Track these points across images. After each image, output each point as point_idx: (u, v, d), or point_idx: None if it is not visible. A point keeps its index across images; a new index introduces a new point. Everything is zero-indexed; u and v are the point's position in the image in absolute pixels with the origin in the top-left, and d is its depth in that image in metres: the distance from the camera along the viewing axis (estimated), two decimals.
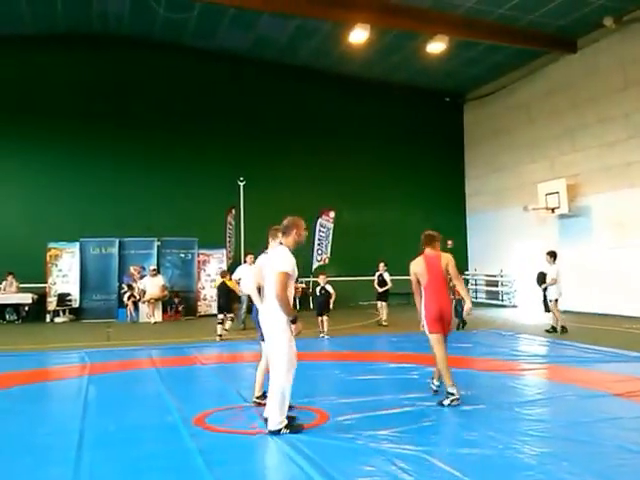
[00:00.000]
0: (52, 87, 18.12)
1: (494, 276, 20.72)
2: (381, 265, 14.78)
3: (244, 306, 13.71)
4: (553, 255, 12.64)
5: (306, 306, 17.73)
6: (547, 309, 13.48)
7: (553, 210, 17.42)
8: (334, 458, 4.54)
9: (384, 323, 14.51)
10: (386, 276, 14.55)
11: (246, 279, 13.32)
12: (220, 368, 8.94)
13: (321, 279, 12.57)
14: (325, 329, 12.16)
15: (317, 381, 7.75)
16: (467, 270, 22.22)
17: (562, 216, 17.49)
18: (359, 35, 15.94)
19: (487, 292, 21.45)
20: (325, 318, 12.28)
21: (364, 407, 5.96)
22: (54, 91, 18.12)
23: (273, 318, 5.30)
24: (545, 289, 13.18)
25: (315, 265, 18.51)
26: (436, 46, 16.75)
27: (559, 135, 18.13)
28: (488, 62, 19.31)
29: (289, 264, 5.30)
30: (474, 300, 21.58)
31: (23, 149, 17.85)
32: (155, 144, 18.83)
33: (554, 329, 12.64)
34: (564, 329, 12.44)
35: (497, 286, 20.68)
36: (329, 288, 12.39)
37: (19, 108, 17.75)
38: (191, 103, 19.41)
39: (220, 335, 12.02)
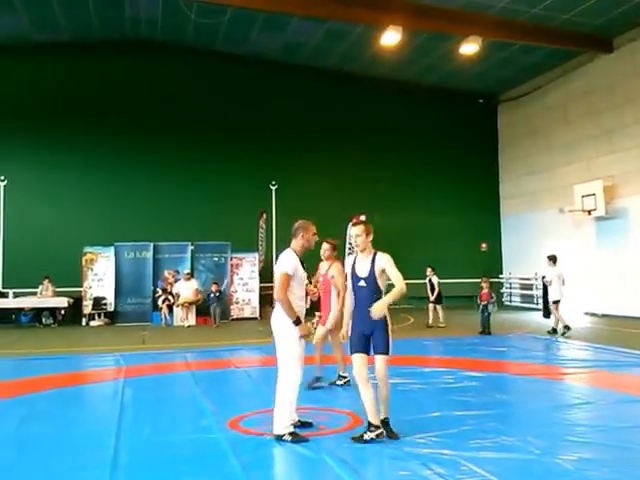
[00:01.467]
0: (87, 94, 18.46)
1: (528, 279, 20.42)
2: (428, 270, 15.03)
3: None
4: (552, 259, 13.22)
5: None
6: (547, 314, 13.61)
7: (589, 212, 17.11)
8: (368, 462, 4.51)
9: (441, 325, 14.66)
10: (434, 280, 14.89)
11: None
12: (254, 371, 8.96)
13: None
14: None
15: (351, 384, 7.71)
16: (501, 273, 21.97)
17: (599, 218, 17.17)
18: (391, 37, 15.87)
19: (521, 295, 21.15)
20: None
21: (398, 411, 5.89)
22: (89, 98, 18.47)
23: (281, 320, 5.25)
24: (545, 292, 13.62)
25: None
26: (469, 47, 16.59)
27: (596, 136, 17.81)
28: (522, 63, 19.07)
29: (290, 265, 5.26)
30: (508, 304, 21.35)
31: (59, 155, 18.22)
32: (188, 149, 19.03)
33: (554, 331, 12.87)
34: (567, 328, 12.63)
35: (532, 289, 20.37)
36: None
37: (55, 115, 18.13)
38: (222, 108, 19.57)
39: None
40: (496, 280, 21.77)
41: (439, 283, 14.95)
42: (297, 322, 5.17)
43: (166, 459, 4.78)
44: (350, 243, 18.23)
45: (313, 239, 5.59)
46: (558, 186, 19.13)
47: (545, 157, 20.04)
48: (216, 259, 18.04)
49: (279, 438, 5.12)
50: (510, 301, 21.50)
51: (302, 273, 5.39)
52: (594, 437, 5.13)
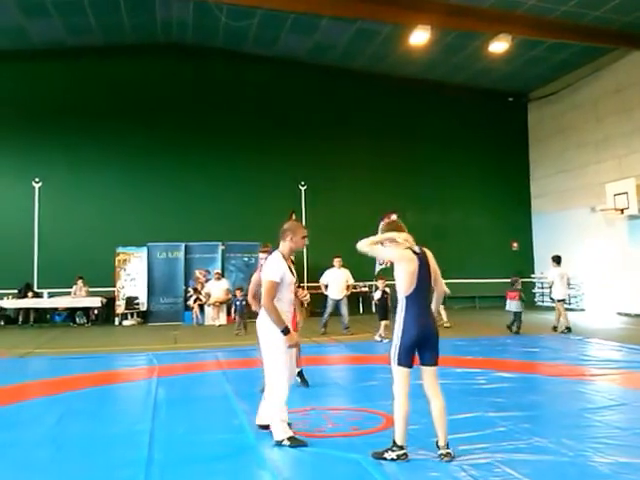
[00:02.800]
0: (119, 96, 18.76)
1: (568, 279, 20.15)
2: None
3: (329, 310, 13.42)
4: (555, 259, 13.75)
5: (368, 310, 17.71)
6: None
7: (622, 211, 16.86)
8: (401, 463, 4.51)
9: (446, 325, 14.41)
10: None
11: (334, 283, 13.40)
12: None
13: (380, 283, 12.43)
14: (383, 333, 12.04)
15: (384, 384, 7.70)
16: (533, 273, 21.74)
17: (631, 217, 16.91)
18: (420, 37, 15.83)
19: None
20: (386, 322, 12.15)
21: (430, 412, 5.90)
22: (121, 99, 18.76)
23: (267, 326, 5.16)
24: (550, 291, 14.08)
25: (377, 269, 18.41)
26: (499, 45, 16.47)
27: (628, 133, 17.54)
28: (552, 60, 18.87)
29: (277, 273, 5.11)
30: (540, 304, 21.12)
31: (93, 157, 18.53)
32: (219, 150, 19.21)
33: (555, 329, 13.35)
34: (568, 329, 12.97)
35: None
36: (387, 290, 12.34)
37: (88, 117, 18.44)
38: (252, 109, 19.70)
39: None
40: (528, 280, 21.55)
41: (455, 283, 15.25)
42: (285, 332, 5.03)
43: (199, 458, 4.84)
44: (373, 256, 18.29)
45: (302, 242, 5.47)
46: (589, 184, 18.88)
47: (576, 155, 19.79)
48: (246, 259, 18.17)
49: (278, 444, 5.06)
50: (542, 301, 21.25)
51: (290, 278, 5.26)
52: (629, 440, 5.06)
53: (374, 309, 14.28)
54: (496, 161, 21.75)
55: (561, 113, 20.62)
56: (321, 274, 13.86)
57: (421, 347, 4.62)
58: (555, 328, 13.47)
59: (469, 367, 8.68)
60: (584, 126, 19.45)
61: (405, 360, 4.57)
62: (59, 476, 4.47)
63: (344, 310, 13.35)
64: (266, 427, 5.35)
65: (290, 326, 5.18)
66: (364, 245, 4.80)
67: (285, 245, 5.39)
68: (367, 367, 9.44)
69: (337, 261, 13.42)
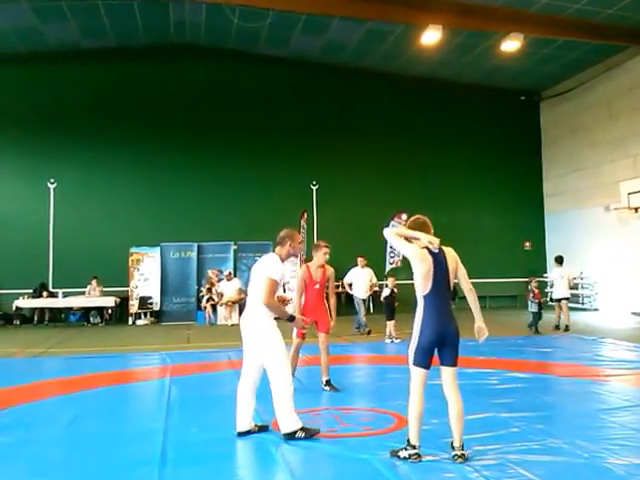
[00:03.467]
0: (133, 97, 18.86)
1: (574, 278, 20.01)
2: None
3: (362, 309, 13.34)
4: (557, 260, 14.18)
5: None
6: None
7: (636, 210, 16.74)
8: (412, 463, 4.50)
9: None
10: None
11: (360, 282, 13.40)
12: (297, 370, 9.01)
13: (390, 281, 12.41)
14: (393, 333, 12.03)
15: (396, 385, 7.70)
16: (546, 273, 21.61)
17: None
18: (431, 36, 15.80)
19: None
20: (392, 322, 12.14)
21: (443, 413, 5.88)
22: (135, 100, 18.86)
23: (259, 322, 5.34)
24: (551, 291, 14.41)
25: (388, 268, 18.44)
26: (511, 44, 16.40)
27: None
28: (565, 59, 18.75)
29: (279, 273, 5.35)
30: (552, 304, 20.94)
31: (107, 158, 18.64)
32: (231, 150, 19.25)
33: (557, 327, 13.65)
34: (567, 328, 13.29)
35: (577, 289, 19.99)
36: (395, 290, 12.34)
37: (102, 118, 18.56)
38: (264, 109, 19.73)
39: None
40: (541, 279, 21.44)
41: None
42: (291, 318, 5.53)
43: (212, 457, 4.87)
44: (392, 246, 18.30)
45: (299, 247, 5.72)
46: (603, 183, 18.75)
47: (590, 154, 19.65)
48: (258, 258, 18.11)
49: (291, 436, 5.14)
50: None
51: (284, 278, 5.62)
52: None
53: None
54: (508, 160, 21.63)
55: (574, 112, 20.48)
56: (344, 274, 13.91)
57: (441, 347, 4.60)
58: (557, 327, 13.73)
59: (481, 367, 8.65)
60: (597, 125, 19.31)
61: (422, 360, 4.56)
62: (74, 475, 4.51)
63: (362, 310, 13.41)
64: (247, 433, 5.40)
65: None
66: (390, 233, 4.77)
67: (283, 250, 5.57)
68: (378, 367, 9.45)
69: (361, 260, 13.40)
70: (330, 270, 7.52)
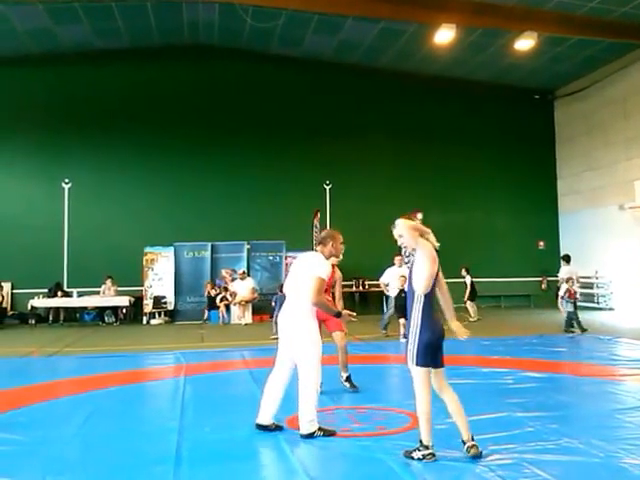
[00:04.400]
0: (147, 97, 18.95)
1: (589, 278, 19.90)
2: (463, 271, 15.93)
3: (391, 310, 13.10)
4: (565, 258, 14.51)
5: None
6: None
7: None
8: (427, 463, 4.49)
9: (471, 319, 15.05)
10: (467, 280, 16.00)
11: (395, 282, 13.29)
12: None
13: (400, 281, 12.37)
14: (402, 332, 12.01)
15: (410, 384, 7.68)
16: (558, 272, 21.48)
17: None
18: (445, 35, 15.75)
19: (581, 294, 20.56)
20: (403, 321, 12.11)
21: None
22: (149, 101, 18.95)
23: (299, 320, 5.36)
24: (558, 289, 14.40)
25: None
26: (524, 43, 16.32)
27: None
28: (579, 57, 18.61)
29: (326, 271, 5.41)
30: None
31: (122, 158, 18.77)
32: (243, 150, 19.27)
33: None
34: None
35: (592, 288, 19.85)
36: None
37: (116, 118, 18.67)
38: (277, 109, 19.74)
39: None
40: (555, 279, 21.30)
41: (472, 282, 15.91)
42: (339, 314, 5.70)
43: (227, 456, 4.89)
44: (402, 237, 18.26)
45: (341, 248, 5.74)
46: (618, 182, 18.60)
47: (604, 153, 19.50)
48: (271, 258, 18.26)
49: (310, 436, 5.18)
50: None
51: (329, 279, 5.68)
52: None
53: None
54: (522, 159, 21.51)
55: (588, 110, 20.33)
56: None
57: (438, 349, 4.61)
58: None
59: (495, 367, 8.62)
60: (612, 123, 19.15)
61: (423, 360, 4.54)
62: (89, 473, 4.54)
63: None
64: (265, 427, 5.44)
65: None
66: (405, 225, 4.75)
67: (326, 250, 5.64)
68: (392, 367, 9.43)
69: (398, 259, 13.25)
70: (339, 274, 7.52)
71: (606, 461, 4.47)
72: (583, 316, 13.54)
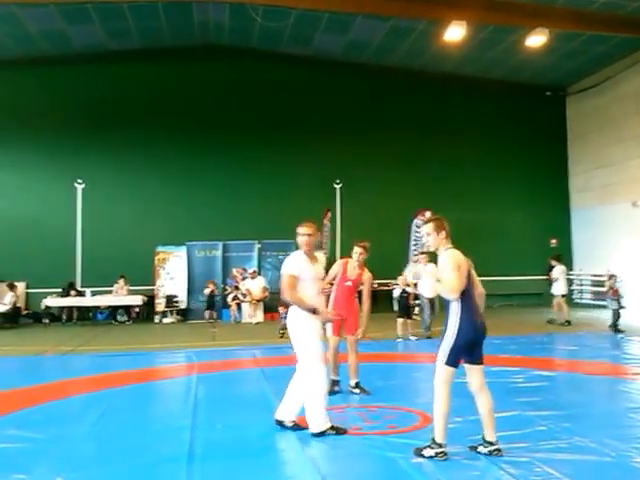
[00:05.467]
0: (158, 97, 19.01)
1: (600, 276, 19.79)
2: None
3: (428, 309, 12.83)
4: (555, 258, 15.08)
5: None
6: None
7: None
8: (438, 461, 4.51)
9: None
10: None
11: (424, 281, 13.21)
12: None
13: (401, 280, 12.36)
14: (399, 332, 12.00)
15: (419, 383, 7.70)
16: (571, 270, 21.38)
17: None
18: (455, 32, 15.66)
19: (593, 292, 20.52)
20: (406, 320, 12.10)
21: (468, 411, 5.85)
22: (160, 101, 19.01)
23: (293, 319, 5.43)
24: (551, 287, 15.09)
25: (409, 266, 18.36)
26: (536, 39, 16.20)
27: None
28: (591, 53, 18.48)
29: (292, 267, 5.47)
30: (578, 301, 20.78)
31: (133, 158, 18.84)
32: (253, 149, 19.30)
33: (568, 322, 14.08)
34: (568, 323, 13.95)
35: (604, 286, 19.73)
36: (408, 289, 12.30)
37: (129, 118, 18.75)
38: (288, 108, 19.75)
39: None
40: (566, 277, 21.21)
41: (490, 281, 15.55)
42: (314, 311, 5.37)
43: (239, 453, 4.94)
44: (415, 240, 18.27)
45: (302, 240, 5.78)
46: (631, 179, 18.46)
47: (617, 149, 19.36)
48: (282, 257, 18.23)
49: (320, 434, 5.22)
50: (581, 298, 20.90)
51: (312, 273, 5.51)
52: None
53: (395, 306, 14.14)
54: (533, 156, 21.38)
55: (601, 107, 20.18)
56: None
57: (475, 347, 4.64)
58: (552, 321, 14.33)
59: (507, 365, 8.60)
60: (625, 120, 19.00)
61: (450, 360, 4.58)
62: (104, 470, 4.60)
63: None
64: (280, 423, 5.49)
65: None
66: (432, 226, 4.89)
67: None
68: (402, 365, 9.44)
69: (423, 258, 13.19)
70: (368, 275, 7.32)
71: (618, 460, 4.46)
72: (595, 314, 13.52)
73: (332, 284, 7.35)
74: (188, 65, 19.17)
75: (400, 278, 12.43)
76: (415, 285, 13.01)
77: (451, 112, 20.73)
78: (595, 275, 20.15)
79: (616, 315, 12.87)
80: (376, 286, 18.77)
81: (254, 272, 17.22)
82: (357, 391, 7.04)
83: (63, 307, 17.23)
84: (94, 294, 17.61)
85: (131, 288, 17.48)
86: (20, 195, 18.28)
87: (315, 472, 4.36)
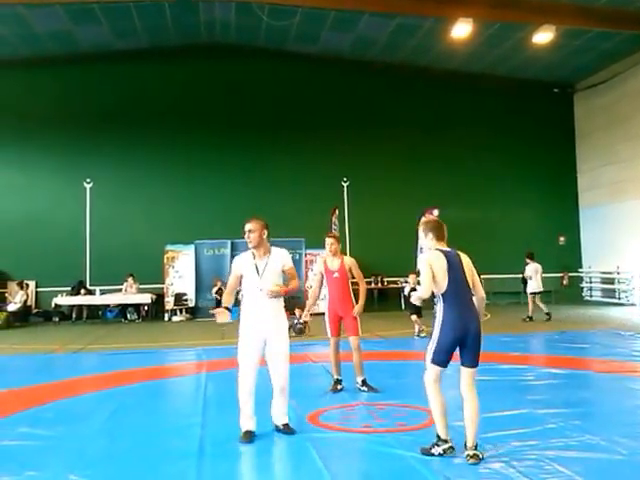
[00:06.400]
0: (165, 97, 19.10)
1: (610, 273, 19.73)
2: None
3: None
4: (529, 256, 15.29)
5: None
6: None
7: None
8: (447, 459, 4.50)
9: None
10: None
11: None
12: (329, 367, 9.04)
13: (412, 278, 12.35)
14: (416, 329, 12.01)
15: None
16: (581, 267, 21.31)
17: None
18: (462, 29, 15.66)
19: (603, 290, 20.45)
20: (414, 317, 12.11)
21: (479, 410, 5.86)
22: (167, 100, 19.10)
23: (280, 316, 5.50)
24: (525, 285, 15.51)
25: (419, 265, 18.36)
26: (543, 36, 16.17)
27: None
28: (599, 49, 18.39)
29: (232, 266, 5.71)
30: (588, 299, 20.70)
31: (141, 158, 18.95)
32: (261, 148, 19.34)
33: (530, 319, 14.58)
34: (548, 315, 14.35)
35: (613, 284, 19.67)
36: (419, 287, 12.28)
37: (136, 118, 18.84)
38: (295, 106, 19.80)
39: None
40: (575, 274, 21.15)
41: (500, 279, 16.69)
42: (226, 308, 5.54)
43: (249, 451, 4.95)
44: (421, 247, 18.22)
45: (248, 237, 5.78)
46: None
47: (626, 146, 19.26)
48: (291, 255, 18.24)
49: (292, 430, 5.27)
50: (591, 296, 20.83)
51: (254, 271, 5.59)
52: None
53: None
54: (541, 154, 21.31)
55: (609, 104, 20.08)
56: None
57: (462, 347, 4.59)
58: (530, 318, 14.58)
59: (516, 363, 8.59)
60: (634, 116, 18.88)
61: (434, 358, 4.61)
62: (115, 467, 4.61)
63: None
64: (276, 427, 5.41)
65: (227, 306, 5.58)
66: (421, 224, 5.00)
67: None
68: (412, 363, 9.41)
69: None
70: (348, 259, 7.41)
71: (630, 458, 4.43)
72: (604, 312, 13.46)
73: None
74: (194, 64, 19.23)
75: (411, 276, 12.41)
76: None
77: (458, 110, 20.70)
78: (604, 272, 20.07)
79: None
80: (385, 284, 18.90)
81: None
82: (364, 389, 7.04)
83: (73, 305, 17.34)
84: (103, 293, 17.73)
85: (140, 286, 17.56)
86: (29, 195, 18.39)
87: (324, 469, 4.36)
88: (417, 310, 12.02)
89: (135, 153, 18.92)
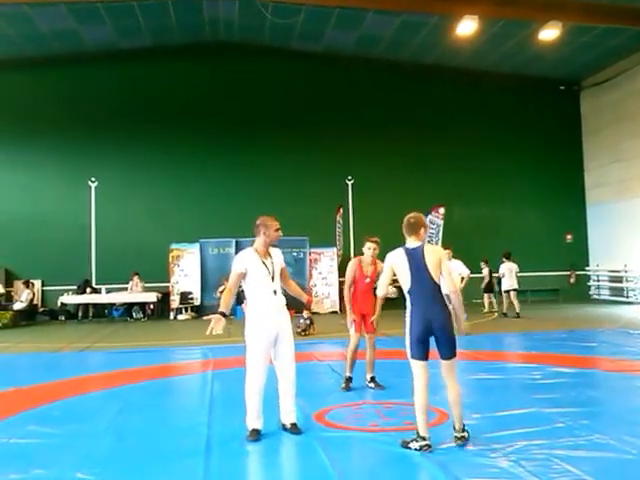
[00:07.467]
0: (169, 95, 19.11)
1: (618, 271, 19.64)
2: (482, 263, 16.57)
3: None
4: (505, 255, 15.60)
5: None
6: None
7: None
8: (457, 457, 4.48)
9: (484, 310, 16.36)
10: (484, 272, 16.58)
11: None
12: (337, 364, 9.01)
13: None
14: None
15: (435, 379, 7.64)
16: (588, 265, 21.23)
17: None
18: (467, 27, 15.60)
19: (610, 288, 20.36)
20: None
21: (486, 407, 5.83)
22: (171, 99, 19.12)
23: (287, 315, 5.48)
24: (499, 283, 16.09)
25: None
26: (549, 33, 16.08)
27: None
28: (605, 46, 18.28)
29: (236, 265, 5.36)
30: (596, 297, 20.62)
31: (146, 157, 18.99)
32: (265, 146, 19.34)
33: (505, 315, 15.32)
34: (517, 315, 14.85)
35: (621, 282, 19.59)
36: None
37: (140, 117, 18.87)
38: (299, 104, 19.78)
39: None
40: (582, 272, 21.07)
41: (490, 274, 16.50)
42: (216, 312, 5.37)
43: (255, 449, 4.94)
44: (429, 236, 18.17)
45: (275, 235, 5.59)
46: None
47: (633, 143, 19.16)
48: (295, 254, 18.28)
49: (299, 430, 5.23)
50: (598, 294, 20.74)
51: (263, 269, 5.36)
52: None
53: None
54: (548, 152, 21.23)
55: (616, 100, 19.98)
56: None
57: (436, 341, 4.75)
58: (506, 315, 15.24)
59: (524, 362, 8.56)
60: None
61: (411, 352, 4.76)
62: (122, 465, 4.61)
63: None
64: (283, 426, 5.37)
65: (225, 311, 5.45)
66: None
67: (259, 240, 5.54)
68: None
69: (448, 252, 13.09)
70: (381, 266, 7.36)
71: (639, 458, 4.40)
72: (612, 310, 13.40)
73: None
74: (199, 63, 19.26)
75: None
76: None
77: (463, 107, 20.64)
78: (612, 271, 19.98)
79: None
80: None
81: None
82: (372, 385, 7.08)
83: (79, 304, 17.39)
84: (109, 291, 17.76)
85: (146, 285, 17.59)
86: (34, 194, 18.44)
87: (331, 468, 4.35)
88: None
89: (140, 152, 18.94)
